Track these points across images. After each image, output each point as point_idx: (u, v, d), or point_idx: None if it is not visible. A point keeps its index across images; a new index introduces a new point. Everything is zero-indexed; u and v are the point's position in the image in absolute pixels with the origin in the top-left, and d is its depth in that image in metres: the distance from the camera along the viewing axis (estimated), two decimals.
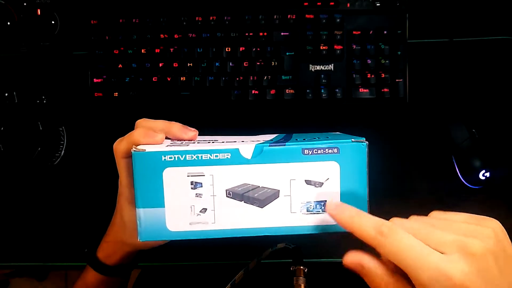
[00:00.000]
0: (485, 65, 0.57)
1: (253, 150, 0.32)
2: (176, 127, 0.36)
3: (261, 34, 0.55)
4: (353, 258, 0.31)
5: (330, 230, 0.33)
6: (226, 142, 0.34)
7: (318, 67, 0.56)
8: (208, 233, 0.33)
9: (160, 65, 0.55)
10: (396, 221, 0.30)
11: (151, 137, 0.34)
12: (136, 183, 0.32)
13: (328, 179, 0.32)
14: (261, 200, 0.32)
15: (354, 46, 0.55)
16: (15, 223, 0.58)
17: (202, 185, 0.32)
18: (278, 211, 0.33)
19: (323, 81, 0.55)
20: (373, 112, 0.57)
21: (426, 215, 0.33)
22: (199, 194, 0.32)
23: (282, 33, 0.55)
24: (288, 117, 0.58)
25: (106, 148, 0.57)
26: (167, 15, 0.55)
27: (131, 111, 0.56)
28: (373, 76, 0.55)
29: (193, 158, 0.32)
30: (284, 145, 0.32)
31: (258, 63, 0.55)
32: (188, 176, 0.32)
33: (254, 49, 0.55)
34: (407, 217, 0.31)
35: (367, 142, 0.32)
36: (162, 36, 0.55)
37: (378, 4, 0.56)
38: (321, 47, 0.55)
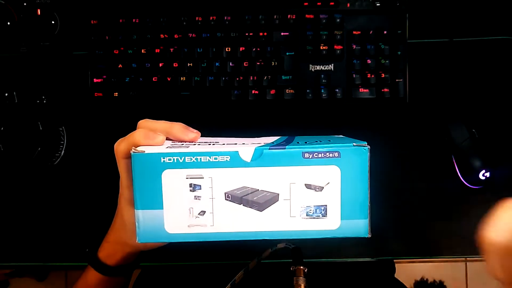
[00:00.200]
0: (485, 65, 0.57)
1: (253, 153, 0.32)
2: (177, 128, 0.36)
3: (261, 34, 0.55)
4: None
5: (330, 236, 0.33)
6: (227, 144, 0.34)
7: (318, 67, 0.56)
8: (207, 236, 0.33)
9: (160, 65, 0.55)
10: None
11: (151, 138, 0.34)
12: (135, 184, 0.32)
13: (328, 183, 0.32)
14: (260, 203, 0.32)
15: (354, 46, 0.55)
16: (15, 223, 0.58)
17: (201, 188, 0.32)
18: (277, 215, 0.32)
19: (323, 81, 0.55)
20: (373, 112, 0.57)
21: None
22: (198, 196, 0.32)
23: (282, 33, 0.55)
24: (288, 117, 0.58)
25: (106, 148, 0.57)
26: (167, 15, 0.55)
27: (131, 111, 0.56)
28: (373, 76, 0.55)
29: (192, 160, 0.31)
30: (284, 148, 0.32)
31: (258, 63, 0.55)
32: (187, 178, 0.32)
33: (254, 49, 0.55)
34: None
35: (369, 147, 0.32)
36: (162, 36, 0.55)
37: (378, 4, 0.56)
38: (321, 47, 0.55)
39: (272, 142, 0.34)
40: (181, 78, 0.55)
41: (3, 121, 0.54)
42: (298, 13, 0.55)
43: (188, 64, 0.55)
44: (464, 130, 0.55)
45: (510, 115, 0.57)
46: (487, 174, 0.54)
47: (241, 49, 0.55)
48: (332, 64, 0.56)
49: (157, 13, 0.56)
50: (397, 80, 0.55)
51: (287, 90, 0.55)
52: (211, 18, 0.55)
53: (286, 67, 0.55)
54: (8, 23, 0.56)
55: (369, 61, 0.55)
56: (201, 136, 0.38)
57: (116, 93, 0.56)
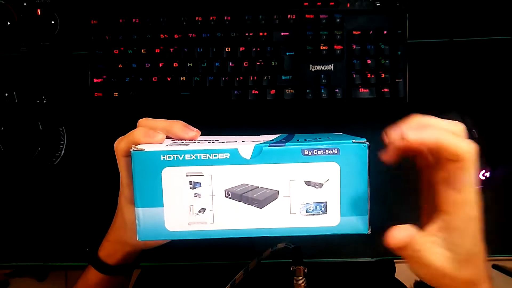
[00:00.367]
0: (485, 65, 0.57)
1: (253, 150, 0.32)
2: (177, 127, 0.36)
3: (261, 34, 0.55)
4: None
5: (330, 232, 0.33)
6: (227, 142, 0.34)
7: (318, 67, 0.56)
8: (207, 233, 0.33)
9: (160, 65, 0.55)
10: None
11: (151, 136, 0.34)
12: (135, 182, 0.32)
13: (328, 180, 0.32)
14: (260, 200, 0.32)
15: (354, 46, 0.55)
16: (15, 223, 0.58)
17: (201, 185, 0.32)
18: (277, 212, 0.32)
19: (323, 81, 0.55)
20: (373, 112, 0.57)
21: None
22: (198, 194, 0.32)
23: (282, 33, 0.55)
24: (288, 117, 0.58)
25: (106, 148, 0.57)
26: (167, 15, 0.55)
27: (131, 111, 0.56)
28: (373, 76, 0.55)
29: (192, 158, 0.32)
30: (284, 145, 0.32)
31: (258, 63, 0.55)
32: (187, 176, 0.32)
33: (254, 49, 0.55)
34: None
35: (368, 143, 0.32)
36: (162, 36, 0.55)
37: (378, 4, 0.56)
38: (321, 47, 0.55)
39: (272, 140, 0.34)
40: (181, 78, 0.55)
41: (3, 121, 0.54)
42: (298, 13, 0.55)
43: (188, 64, 0.55)
44: None
45: (510, 115, 0.57)
46: (487, 174, 0.54)
47: (241, 49, 0.55)
48: (332, 64, 0.56)
49: (157, 13, 0.56)
50: (397, 80, 0.55)
51: (287, 90, 0.55)
52: (211, 18, 0.55)
53: (286, 67, 0.55)
54: (8, 23, 0.56)
55: (369, 61, 0.55)
56: (202, 134, 0.38)
57: (116, 93, 0.56)
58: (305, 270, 0.41)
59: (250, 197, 0.32)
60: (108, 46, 0.56)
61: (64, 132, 0.58)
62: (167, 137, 0.36)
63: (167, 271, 0.60)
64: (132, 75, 0.56)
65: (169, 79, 0.55)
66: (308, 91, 0.55)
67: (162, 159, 0.32)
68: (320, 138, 0.34)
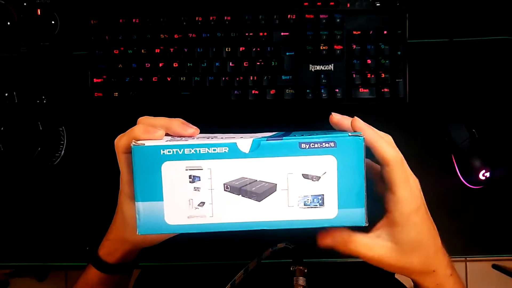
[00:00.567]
0: (485, 65, 0.57)
1: (251, 144, 0.32)
2: (176, 124, 0.37)
3: (261, 34, 0.55)
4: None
5: (327, 225, 0.33)
6: (225, 138, 0.34)
7: (318, 67, 0.56)
8: (206, 227, 0.33)
9: (160, 65, 0.55)
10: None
11: (151, 133, 0.34)
12: (135, 177, 0.32)
13: (325, 173, 0.32)
14: (259, 194, 0.32)
15: (354, 46, 0.55)
16: (15, 223, 0.58)
17: (200, 179, 0.32)
18: (275, 205, 0.33)
19: (323, 81, 0.55)
20: (373, 112, 0.57)
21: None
22: (197, 187, 0.32)
23: (282, 33, 0.55)
24: (288, 117, 0.58)
25: (106, 148, 0.57)
26: (167, 15, 0.55)
27: (131, 111, 0.56)
28: (373, 76, 0.55)
29: (191, 152, 0.32)
30: (281, 139, 0.32)
31: (258, 63, 0.55)
32: (186, 169, 0.32)
33: (254, 49, 0.55)
34: None
35: (364, 137, 0.33)
36: (162, 36, 0.55)
37: (378, 4, 0.56)
38: (321, 47, 0.55)
39: (270, 136, 0.35)
40: (181, 78, 0.55)
41: (3, 121, 0.54)
42: (298, 13, 0.55)
43: (188, 64, 0.55)
44: (464, 130, 0.55)
45: (510, 115, 0.57)
46: (487, 174, 0.54)
47: (241, 49, 0.55)
48: (332, 64, 0.56)
49: (157, 13, 0.56)
50: (397, 80, 0.55)
51: (287, 90, 0.55)
52: (211, 18, 0.55)
53: (286, 67, 0.55)
54: (8, 23, 0.56)
55: (369, 61, 0.55)
56: (201, 134, 0.38)
57: (116, 93, 0.56)
58: (305, 270, 0.41)
59: (248, 191, 0.32)
60: (108, 46, 0.56)
61: (64, 132, 0.58)
62: (167, 135, 0.36)
63: (167, 271, 0.60)
64: (132, 75, 0.56)
65: (169, 79, 0.55)
66: (308, 91, 0.55)
67: (162, 153, 0.32)
68: (317, 134, 0.34)
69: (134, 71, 0.56)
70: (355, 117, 0.35)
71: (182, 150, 0.32)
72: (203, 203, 0.33)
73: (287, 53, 0.55)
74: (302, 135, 0.34)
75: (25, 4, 0.56)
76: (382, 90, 0.55)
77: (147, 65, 0.55)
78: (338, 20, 0.55)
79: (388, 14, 0.56)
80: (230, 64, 0.55)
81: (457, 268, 0.42)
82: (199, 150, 0.32)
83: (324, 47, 0.55)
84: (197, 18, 0.55)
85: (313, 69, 0.56)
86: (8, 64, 0.59)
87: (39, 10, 0.56)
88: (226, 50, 0.55)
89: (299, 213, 0.33)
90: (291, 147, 0.32)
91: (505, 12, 0.58)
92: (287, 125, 0.58)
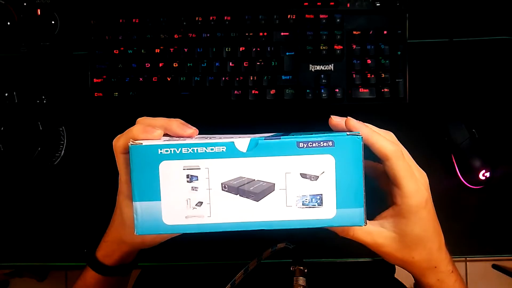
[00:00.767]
0: (485, 65, 0.57)
1: (248, 143, 0.32)
2: (175, 124, 0.36)
3: (261, 34, 0.55)
4: None
5: (326, 225, 0.33)
6: (223, 138, 0.34)
7: (318, 67, 0.56)
8: (204, 227, 0.33)
9: (160, 65, 0.55)
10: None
11: (149, 132, 0.34)
12: (133, 176, 0.32)
13: (323, 172, 0.32)
14: (257, 193, 0.32)
15: (354, 46, 0.55)
16: (15, 223, 0.58)
17: (197, 179, 0.32)
18: (273, 204, 0.32)
19: (323, 81, 0.55)
20: (373, 112, 0.57)
21: None
22: (195, 187, 0.32)
23: (282, 33, 0.55)
24: (288, 117, 0.58)
25: (106, 148, 0.57)
26: (167, 15, 0.55)
27: (131, 111, 0.56)
28: (373, 76, 0.55)
29: (189, 151, 0.32)
30: (279, 138, 0.32)
31: (258, 63, 0.55)
32: (184, 169, 0.32)
33: (254, 49, 0.55)
34: None
35: (362, 136, 0.32)
36: (162, 36, 0.55)
37: (378, 4, 0.56)
38: (321, 47, 0.55)
39: (268, 135, 0.35)
40: (181, 78, 0.55)
41: (3, 121, 0.54)
42: (298, 13, 0.55)
43: (188, 64, 0.55)
44: (464, 130, 0.55)
45: (510, 115, 0.57)
46: (487, 174, 0.54)
47: (241, 49, 0.55)
48: (332, 64, 0.56)
49: (157, 13, 0.56)
50: (397, 80, 0.55)
51: (287, 90, 0.55)
52: (211, 18, 0.55)
53: (286, 67, 0.55)
54: (8, 23, 0.56)
55: (369, 61, 0.55)
56: (200, 134, 0.38)
57: (116, 93, 0.56)
58: (305, 270, 0.41)
59: (246, 190, 0.32)
60: (108, 46, 0.56)
61: (64, 132, 0.58)
62: (165, 135, 0.36)
63: (167, 271, 0.60)
64: (132, 75, 0.56)
65: (169, 79, 0.55)
66: (308, 91, 0.55)
67: (159, 152, 0.32)
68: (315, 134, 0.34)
69: (134, 71, 0.56)
70: (348, 117, 0.35)
71: (179, 149, 0.32)
72: (201, 203, 0.32)
73: (287, 53, 0.55)
74: (301, 135, 0.34)
75: (25, 4, 0.56)
76: (382, 90, 0.55)
77: (147, 65, 0.55)
78: (338, 20, 0.55)
79: (388, 14, 0.56)
80: (230, 64, 0.55)
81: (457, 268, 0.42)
82: (197, 150, 0.32)
83: (324, 47, 0.55)
84: (197, 18, 0.55)
85: (313, 69, 0.56)
86: (8, 64, 0.59)
87: (39, 10, 0.56)
88: (226, 50, 0.55)
89: (297, 213, 0.33)
90: (289, 146, 0.32)
91: (505, 12, 0.58)
92: (287, 125, 0.58)
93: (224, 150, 0.32)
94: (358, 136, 0.32)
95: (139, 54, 0.55)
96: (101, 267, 0.45)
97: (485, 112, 0.57)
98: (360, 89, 0.55)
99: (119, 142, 0.36)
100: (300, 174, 0.32)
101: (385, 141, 0.35)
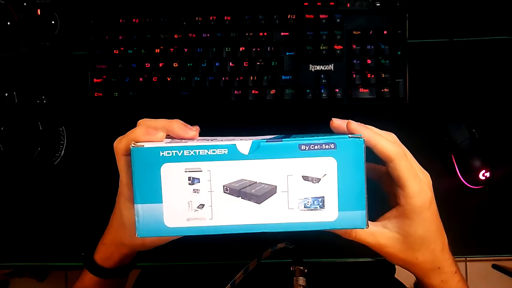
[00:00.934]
0: (485, 65, 0.57)
1: (250, 145, 0.32)
2: (177, 126, 0.36)
3: (261, 34, 0.55)
4: None
5: (328, 227, 0.33)
6: (225, 140, 0.34)
7: (318, 67, 0.56)
8: (205, 229, 0.33)
9: (160, 65, 0.55)
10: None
11: (152, 134, 0.34)
12: (134, 178, 0.32)
13: (325, 175, 0.32)
14: (258, 196, 0.32)
15: (354, 46, 0.55)
16: (15, 223, 0.58)
17: (199, 181, 0.32)
18: (275, 207, 0.32)
19: (323, 81, 0.55)
20: (373, 112, 0.57)
21: None
22: (197, 189, 0.32)
23: (282, 33, 0.55)
24: (288, 117, 0.58)
25: (106, 148, 0.57)
26: (167, 15, 0.55)
27: (131, 111, 0.56)
28: (373, 76, 0.55)
29: (190, 154, 0.32)
30: (281, 140, 0.32)
31: (258, 63, 0.55)
32: (185, 171, 0.32)
33: (254, 49, 0.55)
34: None
35: (364, 138, 0.32)
36: (162, 36, 0.55)
37: (378, 4, 0.56)
38: (321, 47, 0.55)
39: (270, 138, 0.35)
40: (181, 78, 0.55)
41: (3, 121, 0.54)
42: (298, 13, 0.55)
43: (188, 64, 0.55)
44: (464, 130, 0.55)
45: (510, 115, 0.57)
46: (487, 174, 0.54)
47: (241, 49, 0.55)
48: (332, 64, 0.56)
49: (157, 13, 0.56)
50: (397, 80, 0.55)
51: (287, 90, 0.55)
52: (211, 18, 0.55)
53: (286, 67, 0.55)
54: (8, 23, 0.56)
55: (369, 61, 0.55)
56: (201, 135, 0.38)
57: (116, 93, 0.56)
58: (305, 270, 0.41)
59: (248, 193, 0.32)
60: (108, 46, 0.56)
61: (64, 132, 0.58)
62: (167, 137, 0.36)
63: (167, 271, 0.60)
64: (132, 75, 0.56)
65: (169, 79, 0.55)
66: (308, 91, 0.55)
67: (161, 155, 0.32)
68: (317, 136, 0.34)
69: (134, 71, 0.56)
70: (349, 120, 0.35)
71: (181, 151, 0.32)
72: (203, 205, 0.32)
73: (287, 53, 0.55)
74: (302, 137, 0.34)
75: (25, 4, 0.56)
76: (382, 90, 0.55)
77: (147, 65, 0.55)
78: (338, 20, 0.55)
79: (388, 14, 0.56)
80: (230, 64, 0.55)
81: None
82: (199, 152, 0.32)
83: (324, 47, 0.55)
84: (197, 18, 0.55)
85: (313, 69, 0.56)
86: (8, 64, 0.59)
87: (39, 10, 0.56)
88: (226, 50, 0.55)
89: (299, 215, 0.32)
90: (290, 149, 0.32)
91: (505, 12, 0.58)
92: (287, 125, 0.58)
93: (226, 152, 0.32)
94: (360, 139, 0.32)
95: (139, 54, 0.55)
96: (99, 270, 0.45)
97: (485, 112, 0.57)
98: (360, 89, 0.55)
99: (120, 144, 0.36)
100: (302, 176, 0.32)
101: (387, 142, 0.35)
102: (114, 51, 0.56)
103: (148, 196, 0.32)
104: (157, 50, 0.55)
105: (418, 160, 0.39)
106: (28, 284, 1.23)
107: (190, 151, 0.32)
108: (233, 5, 0.56)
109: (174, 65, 0.55)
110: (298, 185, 0.32)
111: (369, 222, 0.36)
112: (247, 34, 0.55)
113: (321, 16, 0.55)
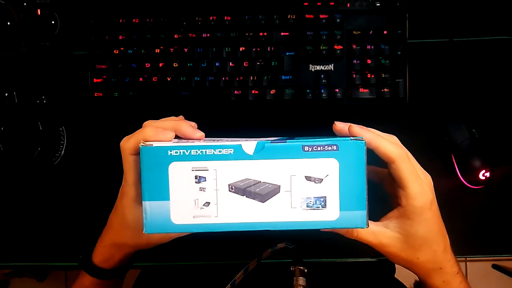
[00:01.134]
0: (485, 65, 0.57)
1: (255, 146, 0.33)
2: (185, 126, 0.37)
3: (261, 34, 0.55)
4: None
5: (329, 226, 0.34)
6: (231, 141, 0.35)
7: (318, 67, 0.56)
8: (211, 227, 0.34)
9: (160, 65, 0.55)
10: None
11: (162, 134, 0.35)
12: (143, 176, 0.33)
13: (327, 175, 0.33)
14: (262, 195, 0.33)
15: (354, 46, 0.55)
16: (15, 223, 0.58)
17: (205, 180, 0.33)
18: (278, 206, 0.33)
19: (323, 81, 0.55)
20: (373, 112, 0.57)
21: None
22: (203, 188, 0.33)
23: (282, 33, 0.55)
24: (288, 117, 0.58)
25: (106, 148, 0.57)
26: (167, 15, 0.55)
27: (131, 111, 0.56)
28: (373, 76, 0.55)
29: (197, 153, 0.33)
30: (285, 142, 0.33)
31: (258, 63, 0.55)
32: (192, 170, 0.33)
33: (254, 49, 0.55)
34: None
35: (366, 141, 0.33)
36: (162, 36, 0.55)
37: (378, 4, 0.56)
38: (321, 47, 0.55)
39: (274, 139, 0.36)
40: (181, 78, 0.55)
41: (3, 121, 0.54)
42: (298, 13, 0.55)
43: (188, 64, 0.55)
44: (464, 130, 0.55)
45: (510, 115, 0.57)
46: (487, 174, 0.54)
47: (241, 49, 0.55)
48: (332, 64, 0.56)
49: (157, 13, 0.56)
50: (397, 80, 0.55)
51: (287, 90, 0.55)
52: (211, 18, 0.55)
53: (286, 67, 0.55)
54: (8, 23, 0.56)
55: (369, 61, 0.55)
56: (205, 137, 0.39)
57: (116, 93, 0.56)
58: (305, 270, 0.41)
59: (252, 192, 0.33)
60: (108, 46, 0.56)
61: (64, 132, 0.58)
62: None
63: (167, 271, 0.60)
64: (132, 75, 0.56)
65: (169, 79, 0.55)
66: (308, 91, 0.55)
67: (169, 154, 0.33)
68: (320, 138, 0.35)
69: (134, 71, 0.56)
70: (350, 124, 0.36)
71: (189, 151, 0.33)
72: (208, 203, 0.33)
73: (287, 53, 0.55)
74: (306, 139, 0.34)
75: (25, 4, 0.56)
76: (382, 90, 0.55)
77: (147, 65, 0.55)
78: (338, 20, 0.55)
79: (388, 14, 0.56)
80: (230, 64, 0.55)
81: None
82: (205, 152, 0.33)
83: (324, 47, 0.55)
84: (197, 18, 0.55)
85: (313, 69, 0.56)
86: (8, 64, 0.59)
87: (39, 10, 0.56)
88: (226, 50, 0.55)
89: (301, 214, 0.33)
90: (294, 150, 0.33)
91: (505, 12, 0.58)
92: (287, 125, 0.58)
93: (231, 152, 0.33)
94: (361, 141, 0.33)
95: (139, 54, 0.55)
96: (100, 272, 0.45)
97: (485, 112, 0.57)
98: (360, 89, 0.55)
99: (128, 144, 0.36)
100: (305, 176, 0.33)
101: (389, 144, 0.36)
102: (114, 51, 0.56)
103: (156, 193, 0.33)
104: (157, 50, 0.55)
105: (419, 160, 0.39)
106: (28, 284, 1.23)
107: (197, 150, 0.33)
108: (233, 5, 0.56)
109: (174, 65, 0.55)
110: (301, 185, 0.33)
111: (371, 222, 0.37)
112: (247, 34, 0.55)
113: (321, 16, 0.55)
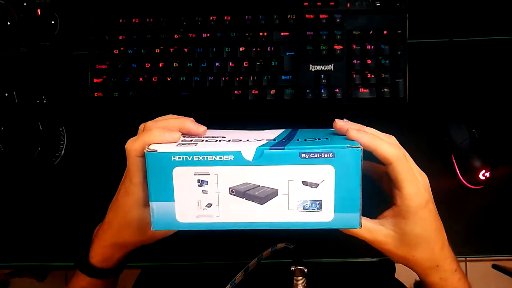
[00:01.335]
0: (485, 65, 0.57)
1: (254, 152, 0.34)
2: (189, 123, 0.39)
3: (261, 34, 0.55)
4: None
5: (324, 227, 0.35)
6: (232, 140, 0.37)
7: (318, 67, 0.56)
8: (213, 225, 0.35)
9: (160, 65, 0.55)
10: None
11: (169, 135, 0.36)
12: (149, 179, 0.35)
13: (323, 180, 0.34)
14: (261, 198, 0.35)
15: (354, 46, 0.55)
16: (15, 223, 0.58)
17: (207, 183, 0.35)
18: (276, 208, 0.35)
19: (323, 81, 0.55)
20: (373, 112, 0.57)
21: None
22: (205, 191, 0.35)
23: (282, 33, 0.55)
24: (288, 117, 0.58)
25: (106, 148, 0.57)
26: (167, 15, 0.55)
27: (131, 111, 0.56)
28: (373, 76, 0.55)
29: (199, 159, 0.34)
30: (283, 148, 0.34)
31: (258, 63, 0.55)
32: (195, 175, 0.34)
33: (254, 49, 0.55)
34: None
35: (362, 148, 0.34)
36: (162, 36, 0.55)
37: (378, 4, 0.56)
38: (321, 47, 0.55)
39: (274, 139, 0.37)
40: (181, 78, 0.55)
41: (3, 121, 0.54)
42: (298, 13, 0.55)
43: (188, 64, 0.55)
44: (464, 130, 0.55)
45: (510, 115, 0.57)
46: (487, 174, 0.54)
47: (241, 49, 0.55)
48: (332, 64, 0.56)
49: (157, 13, 0.56)
50: (397, 80, 0.55)
51: (287, 90, 0.55)
52: (211, 18, 0.55)
53: (286, 67, 0.55)
54: (8, 23, 0.56)
55: (369, 61, 0.55)
56: (208, 130, 0.40)
57: (116, 93, 0.56)
58: (305, 270, 0.41)
59: (252, 195, 0.34)
60: (108, 46, 0.56)
61: (64, 132, 0.58)
62: None
63: (167, 271, 0.60)
64: (132, 75, 0.56)
65: (169, 79, 0.55)
66: (308, 91, 0.55)
67: (172, 159, 0.34)
68: (319, 139, 0.37)
69: (134, 71, 0.56)
70: (348, 129, 0.36)
71: (191, 157, 0.34)
72: (211, 204, 0.35)
73: (287, 53, 0.55)
74: (305, 140, 0.36)
75: (25, 4, 0.56)
76: (382, 90, 0.55)
77: (147, 65, 0.55)
78: (338, 20, 0.55)
79: (388, 14, 0.56)
80: (230, 64, 0.55)
81: None
82: (207, 158, 0.34)
83: (324, 47, 0.55)
84: (197, 18, 0.55)
85: (313, 69, 0.56)
86: (8, 64, 0.59)
87: (39, 10, 0.56)
88: (226, 50, 0.55)
89: (298, 216, 0.35)
90: (292, 157, 0.34)
91: (505, 12, 0.58)
92: (287, 125, 0.58)
93: (232, 158, 0.34)
94: (357, 149, 0.34)
95: (139, 54, 0.55)
96: (98, 272, 0.45)
97: (485, 112, 0.57)
98: (360, 89, 0.55)
99: (134, 146, 0.36)
100: (302, 181, 0.34)
101: (387, 145, 0.36)
102: (114, 51, 0.56)
103: (161, 195, 0.35)
104: (157, 50, 0.55)
105: (419, 160, 0.40)
106: (28, 284, 1.23)
107: (199, 156, 0.34)
108: (233, 5, 0.56)
109: (174, 65, 0.55)
110: (298, 189, 0.34)
111: (367, 219, 0.38)
112: (247, 34, 0.55)
113: (321, 16, 0.55)
